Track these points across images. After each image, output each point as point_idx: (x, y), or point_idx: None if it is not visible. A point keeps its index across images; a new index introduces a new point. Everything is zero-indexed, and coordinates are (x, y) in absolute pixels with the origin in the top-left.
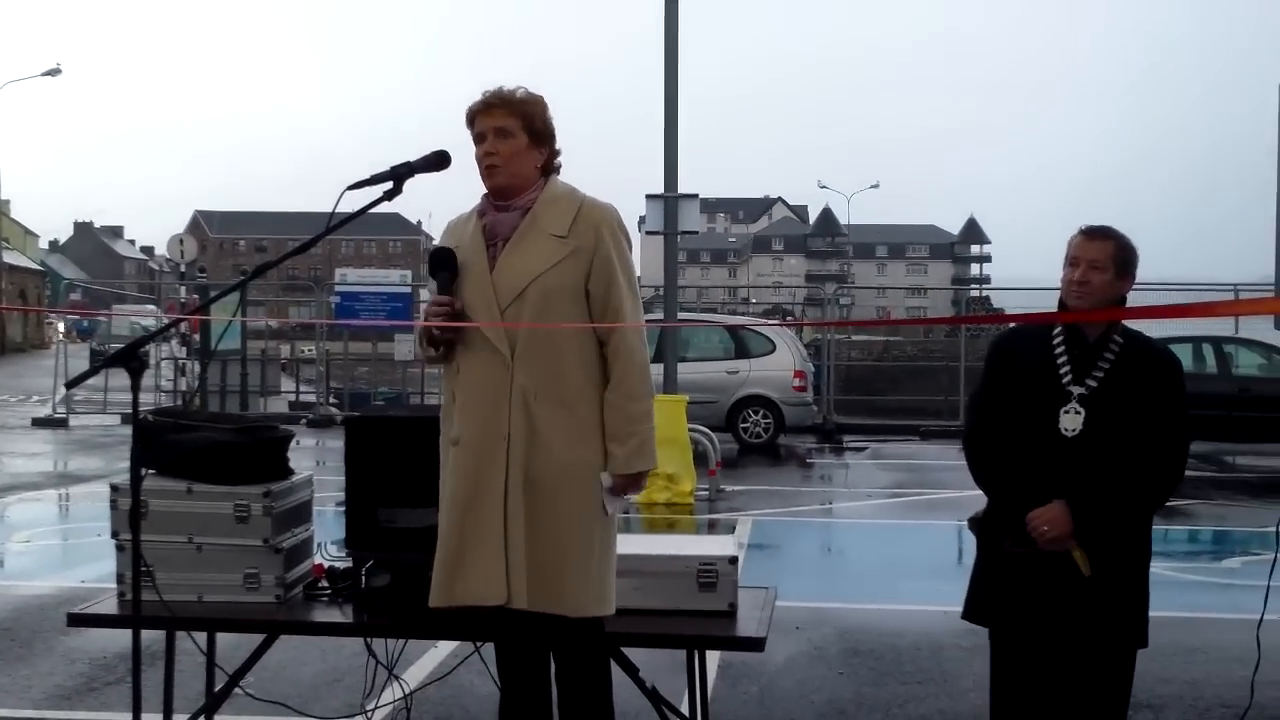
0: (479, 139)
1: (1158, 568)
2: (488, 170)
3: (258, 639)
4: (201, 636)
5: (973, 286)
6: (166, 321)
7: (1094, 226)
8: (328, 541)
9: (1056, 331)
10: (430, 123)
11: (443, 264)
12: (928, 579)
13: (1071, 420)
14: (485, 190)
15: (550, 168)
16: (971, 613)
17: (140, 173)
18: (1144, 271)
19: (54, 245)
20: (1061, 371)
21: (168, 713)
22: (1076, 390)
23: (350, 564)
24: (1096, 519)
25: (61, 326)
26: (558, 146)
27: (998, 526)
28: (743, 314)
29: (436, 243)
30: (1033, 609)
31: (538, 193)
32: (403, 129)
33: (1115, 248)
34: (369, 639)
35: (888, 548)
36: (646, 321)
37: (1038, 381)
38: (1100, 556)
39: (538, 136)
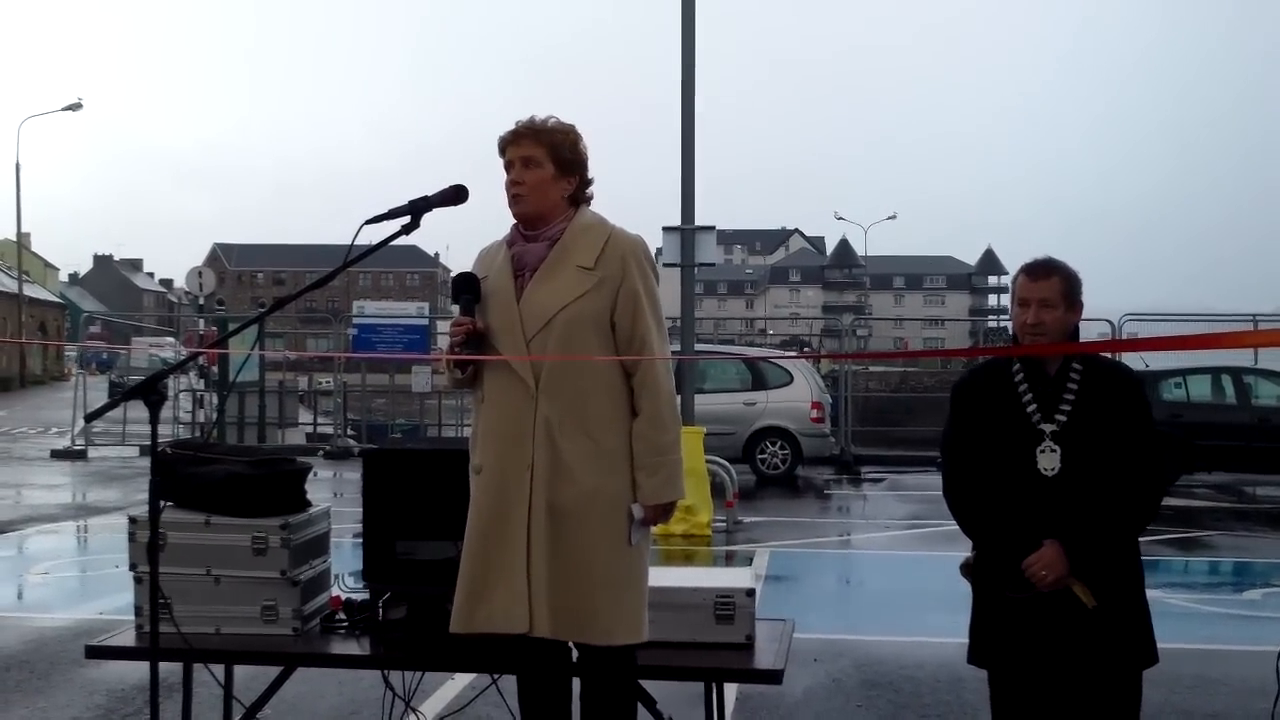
0: (508, 168)
1: (1178, 599)
2: (513, 198)
3: (275, 671)
4: (219, 668)
5: (990, 318)
6: (185, 354)
7: (1036, 264)
8: (345, 573)
9: (1016, 369)
10: (451, 156)
11: (465, 288)
12: (946, 611)
13: (1048, 460)
14: (513, 219)
15: (580, 198)
16: (977, 657)
17: (159, 206)
18: (1161, 300)
19: (74, 278)
20: (1029, 410)
21: None
22: (1048, 428)
23: (367, 596)
24: (1091, 553)
25: (70, 354)
26: (590, 176)
27: (990, 572)
28: (760, 345)
29: (462, 270)
30: (1039, 647)
31: (566, 223)
32: (422, 161)
33: (1061, 282)
34: (386, 671)
35: (906, 579)
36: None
37: (1007, 422)
38: (1099, 585)
39: (565, 166)
